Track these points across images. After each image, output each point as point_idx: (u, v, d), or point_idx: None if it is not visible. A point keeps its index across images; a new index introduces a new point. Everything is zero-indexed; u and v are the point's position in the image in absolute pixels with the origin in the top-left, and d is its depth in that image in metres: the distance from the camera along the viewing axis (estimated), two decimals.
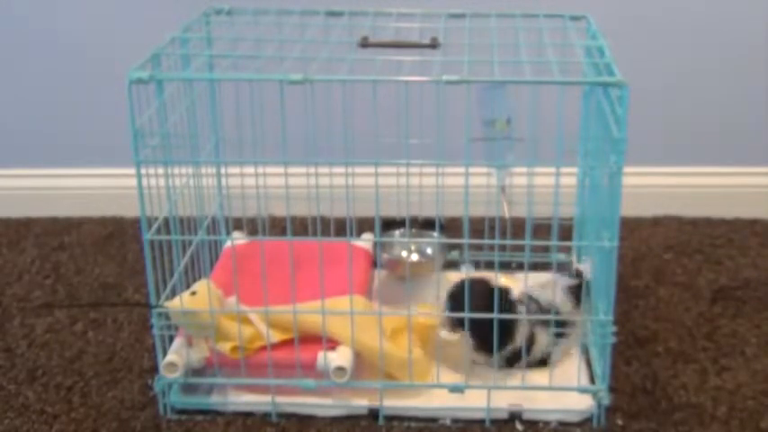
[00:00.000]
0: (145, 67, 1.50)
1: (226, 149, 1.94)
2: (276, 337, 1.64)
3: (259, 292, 1.65)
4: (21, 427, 1.65)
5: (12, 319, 1.98)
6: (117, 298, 2.06)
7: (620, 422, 1.65)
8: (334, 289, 1.69)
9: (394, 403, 1.67)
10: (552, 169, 1.51)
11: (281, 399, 1.67)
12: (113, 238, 2.34)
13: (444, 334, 1.68)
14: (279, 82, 1.44)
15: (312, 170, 1.75)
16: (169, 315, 1.62)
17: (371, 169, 1.51)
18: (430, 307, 1.74)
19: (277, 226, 2.14)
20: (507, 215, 1.88)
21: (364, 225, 1.99)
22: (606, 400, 1.63)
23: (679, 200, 2.42)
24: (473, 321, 1.61)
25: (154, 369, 1.74)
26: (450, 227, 2.00)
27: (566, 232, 1.97)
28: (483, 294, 1.63)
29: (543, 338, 1.70)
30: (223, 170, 1.97)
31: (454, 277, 1.73)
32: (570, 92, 1.50)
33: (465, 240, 1.58)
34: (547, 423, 1.65)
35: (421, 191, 1.90)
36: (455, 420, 1.66)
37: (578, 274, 1.78)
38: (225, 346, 1.63)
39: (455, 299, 1.67)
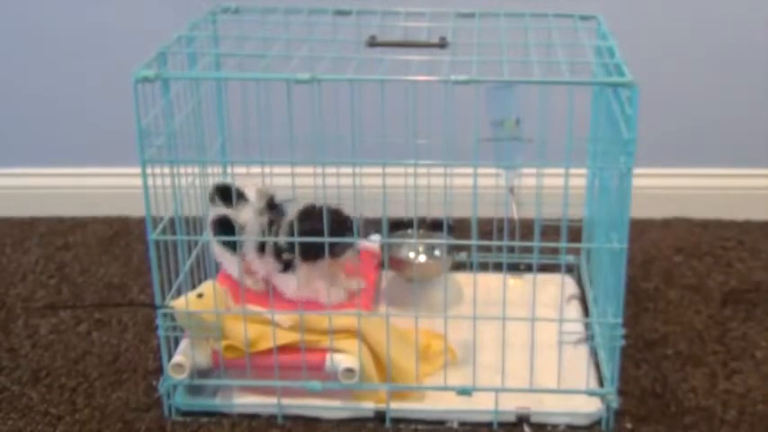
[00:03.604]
0: (151, 65, 1.49)
1: (232, 149, 1.93)
2: (282, 339, 1.63)
3: (265, 293, 1.64)
4: (25, 428, 1.64)
5: (16, 319, 1.97)
6: (122, 298, 2.05)
7: (629, 425, 1.64)
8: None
9: (401, 406, 1.66)
10: (561, 170, 1.50)
11: (286, 401, 1.66)
12: (118, 238, 2.34)
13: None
14: (286, 81, 1.43)
15: (319, 170, 1.74)
16: (174, 316, 1.61)
17: (379, 169, 1.50)
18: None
19: None
20: (516, 216, 1.87)
21: (372, 226, 1.98)
22: (615, 403, 1.62)
23: (689, 201, 2.41)
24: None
25: (159, 370, 1.73)
26: (458, 228, 1.98)
27: (575, 234, 1.95)
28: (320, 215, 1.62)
29: None
30: (229, 170, 1.96)
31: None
32: (580, 92, 1.49)
33: (473, 242, 1.57)
34: (555, 426, 1.64)
35: (429, 191, 1.89)
36: (462, 423, 1.65)
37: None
38: (221, 345, 1.62)
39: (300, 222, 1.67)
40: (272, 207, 1.74)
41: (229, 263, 1.79)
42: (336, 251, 1.69)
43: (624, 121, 1.48)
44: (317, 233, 1.58)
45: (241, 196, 1.73)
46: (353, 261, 1.76)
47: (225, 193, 1.72)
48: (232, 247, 1.74)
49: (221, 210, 1.74)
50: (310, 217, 1.65)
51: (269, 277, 1.75)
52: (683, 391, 1.73)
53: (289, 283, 1.74)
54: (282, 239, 1.70)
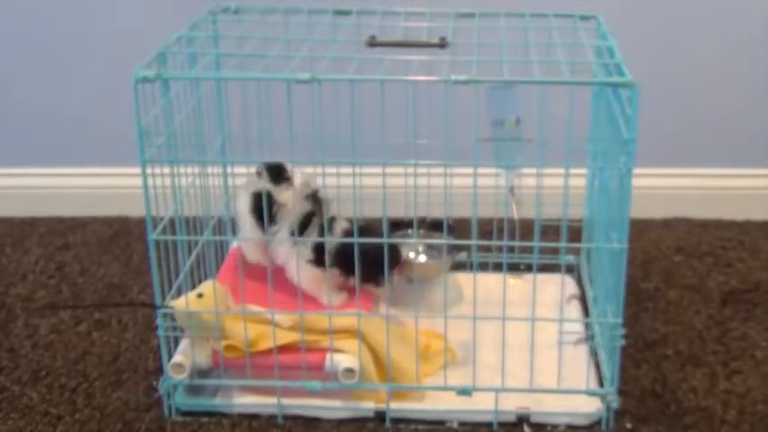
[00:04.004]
0: (151, 65, 1.49)
1: (232, 149, 1.93)
2: (282, 339, 1.63)
3: (265, 293, 1.64)
4: (25, 428, 1.64)
5: (16, 319, 1.97)
6: (122, 298, 2.05)
7: (629, 425, 1.64)
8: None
9: (401, 405, 1.66)
10: (561, 170, 1.49)
11: (287, 401, 1.66)
12: (118, 238, 2.34)
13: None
14: (286, 81, 1.43)
15: (319, 170, 1.74)
16: (174, 316, 1.61)
17: (379, 169, 1.50)
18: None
19: None
20: (516, 216, 1.87)
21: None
22: (615, 403, 1.62)
23: (689, 201, 2.40)
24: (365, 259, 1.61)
25: (159, 370, 1.73)
26: (458, 228, 1.98)
27: (575, 234, 1.95)
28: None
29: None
30: (229, 170, 1.95)
31: None
32: (580, 92, 1.49)
33: (473, 242, 1.57)
34: (555, 426, 1.64)
35: (429, 191, 1.89)
36: (462, 423, 1.65)
37: None
38: (221, 345, 1.62)
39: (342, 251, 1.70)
40: (316, 201, 1.74)
41: (249, 234, 1.81)
42: (377, 281, 1.73)
43: (624, 121, 1.48)
44: (372, 257, 1.62)
45: (288, 178, 1.75)
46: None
47: (273, 172, 1.74)
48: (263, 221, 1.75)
49: (265, 184, 1.75)
50: (370, 236, 1.63)
51: (285, 264, 1.76)
52: (683, 391, 1.73)
53: (306, 275, 1.74)
54: (334, 239, 1.71)
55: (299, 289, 1.70)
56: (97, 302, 2.03)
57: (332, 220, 1.74)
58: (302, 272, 1.73)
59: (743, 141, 2.38)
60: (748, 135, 2.37)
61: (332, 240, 1.69)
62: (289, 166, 1.77)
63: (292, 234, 1.73)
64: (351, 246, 1.59)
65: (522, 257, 2.00)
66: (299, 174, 1.77)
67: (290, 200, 1.73)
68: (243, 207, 1.80)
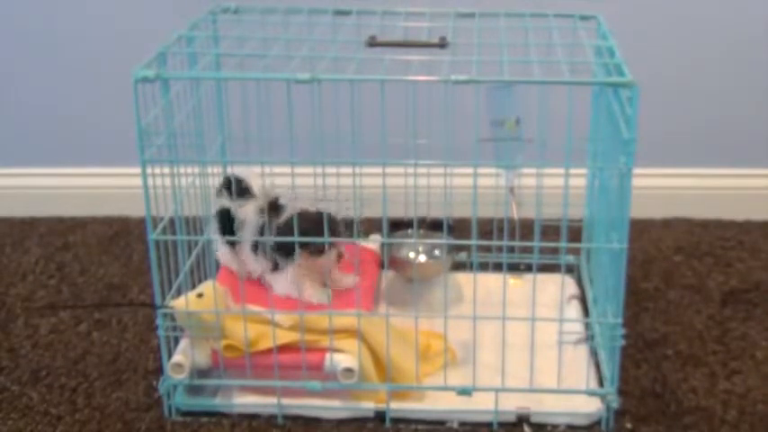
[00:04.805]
0: (151, 65, 1.49)
1: (232, 149, 1.93)
2: (282, 339, 1.63)
3: (265, 293, 1.64)
4: (24, 428, 1.64)
5: (16, 319, 1.97)
6: (122, 298, 2.05)
7: (629, 425, 1.64)
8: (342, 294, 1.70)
9: (401, 405, 1.66)
10: (561, 170, 1.49)
11: (287, 401, 1.66)
12: (118, 238, 2.34)
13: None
14: (286, 81, 1.43)
15: (319, 170, 1.74)
16: (174, 316, 1.61)
17: (379, 169, 1.50)
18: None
19: None
20: (516, 216, 1.87)
21: (372, 226, 1.98)
22: (615, 403, 1.62)
23: (689, 201, 2.40)
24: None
25: (159, 370, 1.72)
26: (458, 228, 1.98)
27: (575, 234, 1.95)
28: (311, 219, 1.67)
29: None
30: (229, 170, 1.96)
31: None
32: (580, 92, 1.49)
33: (473, 242, 1.57)
34: (555, 426, 1.64)
35: (429, 191, 1.89)
36: (462, 423, 1.65)
37: None
38: (221, 345, 1.62)
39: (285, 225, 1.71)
40: (275, 208, 1.74)
41: (225, 255, 1.83)
42: (312, 249, 1.70)
43: (624, 121, 1.48)
44: (300, 235, 1.60)
45: (248, 191, 1.75)
46: (349, 258, 1.77)
47: (231, 189, 1.76)
48: (231, 240, 1.78)
49: (225, 202, 1.77)
50: (293, 220, 1.66)
51: (263, 275, 1.77)
52: (683, 391, 1.73)
53: (278, 282, 1.76)
54: (267, 239, 1.72)
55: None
56: (97, 302, 2.03)
57: (277, 210, 1.76)
58: (275, 283, 1.77)
59: (743, 141, 2.38)
60: (748, 135, 2.38)
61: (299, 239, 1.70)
62: (246, 177, 1.79)
63: (253, 248, 1.77)
64: (289, 229, 1.62)
65: (522, 257, 2.00)
66: (257, 182, 1.79)
67: (248, 215, 1.76)
68: (213, 228, 1.83)
